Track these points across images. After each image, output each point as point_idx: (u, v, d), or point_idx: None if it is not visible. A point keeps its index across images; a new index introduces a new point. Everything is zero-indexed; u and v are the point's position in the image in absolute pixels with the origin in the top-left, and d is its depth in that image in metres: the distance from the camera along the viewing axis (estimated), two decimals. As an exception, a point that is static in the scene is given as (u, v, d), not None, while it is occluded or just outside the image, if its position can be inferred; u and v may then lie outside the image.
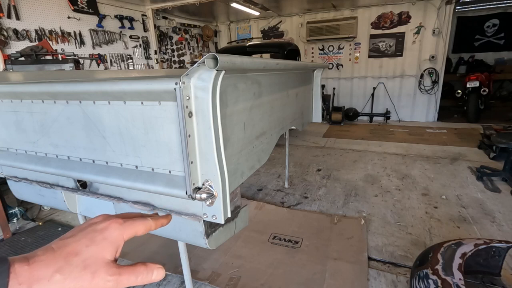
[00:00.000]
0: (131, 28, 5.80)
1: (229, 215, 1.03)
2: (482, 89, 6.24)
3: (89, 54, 5.02)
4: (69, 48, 4.70)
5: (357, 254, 2.24)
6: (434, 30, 6.36)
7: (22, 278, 0.32)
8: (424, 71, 6.70)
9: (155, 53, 6.39)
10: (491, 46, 8.78)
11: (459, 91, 6.59)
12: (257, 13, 7.07)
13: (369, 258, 2.21)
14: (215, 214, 1.01)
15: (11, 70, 3.33)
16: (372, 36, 6.96)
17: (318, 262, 2.17)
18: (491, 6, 8.30)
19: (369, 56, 7.12)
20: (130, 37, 5.83)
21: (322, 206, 3.07)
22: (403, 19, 6.60)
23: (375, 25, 6.87)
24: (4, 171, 1.61)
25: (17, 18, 4.00)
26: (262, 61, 1.25)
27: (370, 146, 5.20)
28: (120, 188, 1.21)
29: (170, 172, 1.03)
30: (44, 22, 4.34)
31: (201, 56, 7.87)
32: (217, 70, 0.86)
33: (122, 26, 5.59)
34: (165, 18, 6.81)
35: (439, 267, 1.56)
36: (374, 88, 7.22)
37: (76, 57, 4.62)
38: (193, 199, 0.95)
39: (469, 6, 8.28)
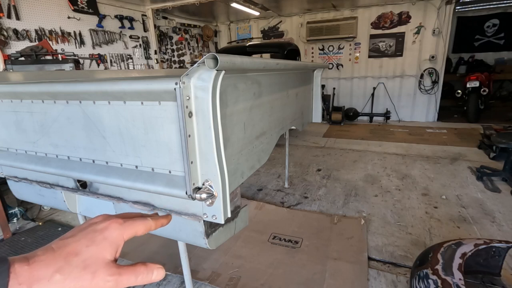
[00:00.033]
0: (131, 28, 5.80)
1: (229, 215, 1.03)
2: (482, 89, 6.24)
3: (89, 54, 5.02)
4: (69, 48, 4.70)
5: (357, 254, 2.24)
6: (434, 30, 6.36)
7: (22, 278, 0.32)
8: (424, 71, 6.70)
9: (155, 53, 6.39)
10: (491, 46, 8.78)
11: (459, 91, 6.59)
12: (257, 13, 7.07)
13: (369, 258, 2.21)
14: (215, 214, 1.01)
15: (11, 70, 3.33)
16: (372, 36, 6.96)
17: (318, 262, 2.17)
18: (491, 6, 8.30)
19: (369, 56, 7.12)
20: (130, 37, 5.83)
21: (322, 206, 3.07)
22: (403, 19, 6.60)
23: (375, 25, 6.87)
24: (4, 171, 1.61)
25: (17, 18, 4.00)
26: (262, 61, 1.25)
27: (370, 146, 5.20)
28: (120, 188, 1.21)
29: (170, 172, 1.03)
30: (44, 22, 4.34)
31: (201, 56, 7.87)
32: (217, 70, 0.86)
33: (122, 26, 5.60)
34: (165, 18, 6.82)
35: (439, 267, 1.56)
36: (374, 88, 7.22)
37: (76, 57, 4.62)
38: (193, 199, 0.95)
39: (469, 6, 8.28)
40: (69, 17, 4.66)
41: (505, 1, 7.89)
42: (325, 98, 7.22)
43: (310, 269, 2.10)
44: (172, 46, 7.13)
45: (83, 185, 1.38)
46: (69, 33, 4.68)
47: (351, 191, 3.40)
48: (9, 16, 3.92)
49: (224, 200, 0.99)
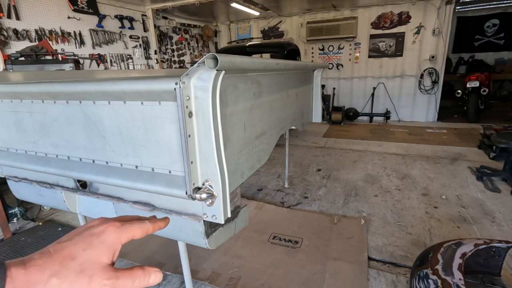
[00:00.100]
0: (131, 28, 5.80)
1: (229, 215, 1.03)
2: (482, 89, 6.24)
3: (89, 54, 5.02)
4: (69, 48, 4.70)
5: (357, 254, 2.24)
6: (434, 30, 6.36)
7: (18, 282, 0.32)
8: (424, 71, 6.70)
9: (155, 53, 6.39)
10: (491, 46, 8.78)
11: (459, 91, 6.59)
12: (257, 13, 7.07)
13: (369, 258, 2.21)
14: (215, 214, 1.01)
15: (11, 70, 3.33)
16: (372, 36, 6.96)
17: (318, 262, 2.17)
18: (491, 6, 8.30)
19: (369, 56, 7.12)
20: (130, 37, 5.83)
21: (322, 206, 3.07)
22: (403, 19, 6.60)
23: (375, 25, 6.87)
24: (4, 171, 1.61)
25: (17, 18, 4.00)
26: (262, 61, 1.25)
27: (370, 146, 5.20)
28: (120, 188, 1.21)
29: (170, 172, 1.03)
30: (44, 22, 4.34)
31: (201, 56, 7.87)
32: (217, 70, 0.86)
33: (122, 26, 5.60)
34: (165, 18, 6.82)
35: (439, 267, 1.56)
36: (374, 88, 7.22)
37: (76, 57, 4.62)
38: (193, 199, 0.95)
39: (469, 6, 8.28)
40: (69, 17, 4.66)
41: (505, 1, 7.89)
42: (325, 98, 7.22)
43: (310, 269, 2.10)
44: (172, 46, 7.13)
45: (83, 185, 1.38)
46: (69, 33, 4.68)
47: (351, 191, 3.40)
48: (9, 16, 3.92)
49: (224, 200, 0.99)
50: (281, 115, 1.83)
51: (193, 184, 0.95)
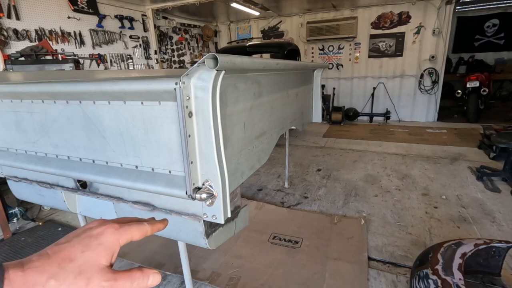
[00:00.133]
0: (131, 28, 5.80)
1: (229, 215, 1.03)
2: (482, 89, 6.24)
3: (89, 54, 5.02)
4: (69, 48, 4.70)
5: (357, 254, 2.24)
6: (434, 30, 6.35)
7: (16, 284, 0.32)
8: (424, 71, 6.70)
9: (155, 53, 6.39)
10: (491, 46, 8.78)
11: (459, 91, 6.59)
12: (257, 13, 7.07)
13: (369, 258, 2.21)
14: (215, 214, 1.01)
15: (11, 70, 3.33)
16: (372, 36, 6.96)
17: (318, 262, 2.17)
18: (491, 6, 8.30)
19: (369, 56, 7.12)
20: (130, 37, 5.83)
21: (322, 206, 3.07)
22: (403, 19, 6.60)
23: (375, 25, 6.87)
24: (4, 171, 1.61)
25: (17, 18, 4.00)
26: (262, 61, 1.25)
27: (370, 146, 5.20)
28: (120, 188, 1.21)
29: (170, 172, 1.03)
30: (44, 22, 4.34)
31: (201, 56, 7.87)
32: (217, 70, 0.86)
33: (122, 26, 5.60)
34: (165, 18, 6.81)
35: (439, 267, 1.56)
36: (374, 88, 7.22)
37: (76, 57, 4.62)
38: (193, 199, 0.95)
39: (469, 6, 8.28)
40: (69, 17, 4.66)
41: (505, 1, 7.89)
42: (325, 98, 7.22)
43: (310, 269, 2.10)
44: (172, 46, 7.13)
45: (83, 185, 1.38)
46: (69, 33, 4.68)
47: (351, 191, 3.40)
48: (9, 16, 3.92)
49: (224, 200, 0.99)
50: (281, 115, 1.83)
51: (193, 184, 0.95)
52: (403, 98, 7.09)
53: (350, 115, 7.23)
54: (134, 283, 0.39)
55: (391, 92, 7.14)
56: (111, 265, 0.39)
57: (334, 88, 7.59)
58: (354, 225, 2.64)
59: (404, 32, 6.66)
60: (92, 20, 5.06)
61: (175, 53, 7.25)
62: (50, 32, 4.43)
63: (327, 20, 7.09)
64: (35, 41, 4.18)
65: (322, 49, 7.53)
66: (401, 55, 6.82)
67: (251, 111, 1.31)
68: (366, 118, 7.43)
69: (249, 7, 6.35)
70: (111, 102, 1.06)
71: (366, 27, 6.94)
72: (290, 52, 5.40)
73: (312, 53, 7.66)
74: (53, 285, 0.34)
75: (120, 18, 5.53)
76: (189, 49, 7.70)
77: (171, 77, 0.89)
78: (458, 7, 8.19)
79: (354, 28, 6.87)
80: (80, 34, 4.85)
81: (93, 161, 1.21)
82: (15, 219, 2.89)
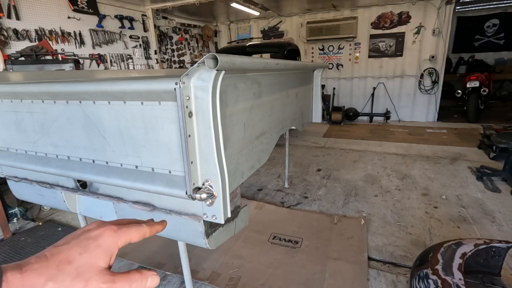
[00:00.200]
0: (131, 28, 5.80)
1: (229, 215, 1.03)
2: (482, 89, 6.24)
3: (89, 54, 5.02)
4: (69, 48, 4.70)
5: (357, 254, 2.24)
6: (434, 30, 6.36)
7: (14, 287, 0.32)
8: (424, 71, 6.70)
9: (155, 53, 6.39)
10: (491, 46, 8.78)
11: (459, 91, 6.59)
12: (257, 13, 7.07)
13: (369, 258, 2.21)
14: (215, 214, 1.01)
15: (11, 70, 3.33)
16: (372, 36, 6.96)
17: (318, 262, 2.17)
18: (491, 6, 8.30)
19: (369, 56, 7.12)
20: (130, 37, 5.83)
21: (322, 206, 3.07)
22: (403, 19, 6.60)
23: (375, 25, 6.87)
24: (4, 171, 1.61)
25: (17, 18, 4.00)
26: (262, 61, 1.25)
27: (370, 146, 5.20)
28: (120, 188, 1.21)
29: (170, 172, 1.03)
30: (44, 22, 4.34)
31: (201, 56, 7.87)
32: (217, 70, 0.86)
33: (122, 26, 5.60)
34: (165, 18, 6.81)
35: (439, 267, 1.56)
36: (374, 88, 7.22)
37: (76, 57, 4.62)
38: (193, 199, 0.95)
39: (469, 6, 8.28)
40: (69, 17, 4.66)
41: (505, 1, 7.89)
42: (325, 98, 7.22)
43: (310, 269, 2.10)
44: (172, 46, 7.13)
45: (83, 185, 1.38)
46: (69, 33, 4.68)
47: (351, 191, 3.40)
48: (9, 16, 3.92)
49: (224, 200, 0.99)
50: (281, 115, 1.83)
51: (193, 184, 0.95)
52: (403, 98, 7.09)
53: (350, 115, 7.23)
54: (132, 285, 0.39)
55: (391, 92, 7.14)
56: (109, 267, 0.39)
57: (334, 88, 7.59)
58: (354, 225, 2.64)
59: (404, 32, 6.66)
60: (92, 20, 5.06)
61: (175, 53, 7.25)
62: (50, 32, 4.43)
63: (327, 20, 7.09)
64: (35, 41, 4.18)
65: (322, 49, 7.53)
66: (401, 55, 6.82)
67: (251, 111, 1.31)
68: (366, 118, 7.43)
69: (249, 7, 6.35)
70: (111, 102, 1.06)
71: (366, 27, 6.94)
72: (290, 52, 5.40)
73: (312, 53, 7.66)
74: (52, 287, 0.34)
75: (120, 18, 5.53)
76: (189, 49, 7.70)
77: (171, 77, 0.89)
78: (458, 7, 8.19)
79: (354, 28, 6.87)
80: (80, 34, 4.85)
81: (93, 161, 1.21)
82: (15, 219, 2.89)
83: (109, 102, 1.06)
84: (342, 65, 7.45)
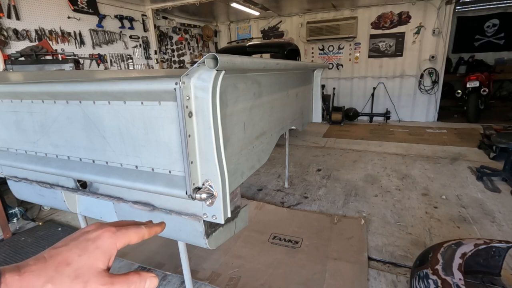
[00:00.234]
0: (131, 28, 5.80)
1: (229, 215, 1.03)
2: (482, 89, 6.24)
3: (89, 54, 5.02)
4: (69, 48, 4.70)
5: (357, 254, 2.24)
6: (434, 30, 6.36)
7: None
8: (424, 71, 6.70)
9: (155, 53, 6.39)
10: (491, 46, 8.78)
11: (459, 91, 6.59)
12: (257, 13, 7.07)
13: (369, 258, 2.21)
14: (215, 214, 1.01)
15: (11, 70, 3.33)
16: (372, 36, 6.96)
17: (318, 262, 2.17)
18: (491, 6, 8.30)
19: (369, 56, 7.12)
20: (130, 37, 5.83)
21: (322, 206, 3.07)
22: (403, 19, 6.60)
23: (375, 25, 6.87)
24: (4, 171, 1.61)
25: (17, 18, 4.00)
26: (262, 61, 1.25)
27: (370, 146, 5.20)
28: (120, 188, 1.21)
29: (170, 172, 1.03)
30: (44, 22, 4.34)
31: (201, 56, 7.87)
32: (217, 70, 0.86)
33: (122, 26, 5.60)
34: (165, 18, 6.81)
35: (439, 267, 1.56)
36: (374, 88, 7.22)
37: (76, 57, 4.62)
38: (193, 199, 0.95)
39: (469, 6, 8.28)
40: (69, 17, 4.66)
41: (505, 1, 7.89)
42: (325, 98, 7.22)
43: (310, 269, 2.10)
44: (172, 46, 7.13)
45: (83, 185, 1.38)
46: (69, 33, 4.68)
47: (351, 191, 3.40)
48: (9, 16, 3.92)
49: (224, 200, 0.99)
50: (281, 115, 1.83)
51: (193, 184, 0.95)
52: (403, 98, 7.09)
53: (350, 115, 7.23)
54: (131, 286, 0.39)
55: (391, 92, 7.14)
56: (108, 269, 0.39)
57: (334, 88, 7.59)
58: (354, 225, 2.64)
59: (404, 32, 6.66)
60: (92, 20, 5.06)
61: (175, 53, 7.25)
62: (50, 32, 4.43)
63: (327, 20, 7.09)
64: (35, 41, 4.18)
65: (322, 49, 7.53)
66: (401, 55, 6.82)
67: (251, 111, 1.31)
68: (366, 118, 7.43)
69: (249, 7, 6.35)
70: (111, 102, 1.06)
71: (366, 27, 6.94)
72: (290, 52, 5.40)
73: (312, 53, 7.66)
74: None
75: (120, 18, 5.53)
76: (189, 49, 7.70)
77: (171, 77, 0.89)
78: (458, 7, 8.19)
79: (354, 28, 6.87)
80: (80, 34, 4.85)
81: (93, 161, 1.21)
82: (15, 219, 2.89)
83: (109, 102, 1.06)
84: (342, 65, 7.45)
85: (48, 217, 3.04)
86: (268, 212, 2.96)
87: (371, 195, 3.26)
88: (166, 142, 1.00)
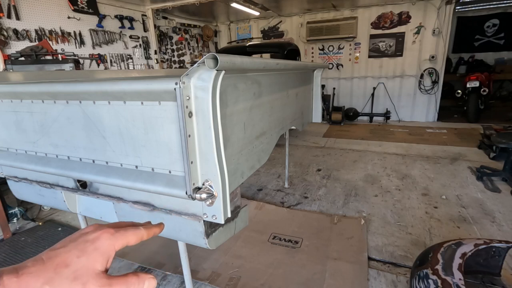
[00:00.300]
0: (131, 28, 5.80)
1: (229, 215, 1.03)
2: (482, 89, 6.24)
3: (89, 54, 5.02)
4: (69, 48, 4.70)
5: (357, 254, 2.24)
6: (434, 30, 6.36)
7: None
8: (424, 71, 6.70)
9: (155, 53, 6.39)
10: (491, 46, 8.78)
11: (459, 91, 6.59)
12: (257, 13, 7.07)
13: (369, 258, 2.21)
14: (215, 214, 1.01)
15: (11, 70, 3.33)
16: (372, 36, 6.96)
17: (318, 262, 2.17)
18: (491, 6, 8.30)
19: (369, 56, 7.12)
20: (130, 37, 5.83)
21: (322, 206, 3.07)
22: (403, 19, 6.60)
23: (375, 25, 6.87)
24: (4, 171, 1.61)
25: (17, 18, 4.00)
26: (262, 61, 1.25)
27: (370, 146, 5.20)
28: (120, 188, 1.21)
29: (170, 172, 1.03)
30: (44, 22, 4.34)
31: (201, 56, 7.87)
32: (217, 70, 0.86)
33: (122, 26, 5.60)
34: (165, 18, 6.81)
35: (439, 267, 1.56)
36: (374, 88, 7.22)
37: (76, 57, 4.62)
38: (193, 199, 0.95)
39: (469, 6, 8.28)
40: (69, 17, 4.66)
41: (505, 1, 7.89)
42: (325, 98, 7.22)
43: (310, 269, 2.10)
44: (172, 46, 7.13)
45: (83, 185, 1.38)
46: (69, 33, 4.68)
47: (351, 191, 3.40)
48: (9, 16, 3.92)
49: (224, 200, 0.99)
50: (281, 115, 1.83)
51: (193, 184, 0.95)
52: (403, 98, 7.09)
53: (350, 115, 7.23)
54: None
55: (391, 92, 7.14)
56: (106, 270, 0.39)
57: (334, 88, 7.59)
58: (354, 225, 2.64)
59: (404, 32, 6.66)
60: (92, 20, 5.06)
61: (175, 53, 7.25)
62: (50, 32, 4.43)
63: (327, 20, 7.09)
64: (35, 41, 4.18)
65: (322, 49, 7.53)
66: (401, 55, 6.82)
67: (251, 111, 1.31)
68: (366, 118, 7.43)
69: (249, 7, 6.35)
70: (111, 102, 1.06)
71: (366, 27, 6.94)
72: (290, 52, 5.40)
73: (312, 53, 7.66)
74: None
75: (120, 18, 5.53)
76: (189, 49, 7.70)
77: (171, 77, 0.89)
78: (458, 7, 8.19)
79: (354, 28, 6.87)
80: (80, 34, 4.85)
81: (93, 161, 1.21)
82: (15, 219, 2.89)
83: (109, 102, 1.06)
84: (342, 65, 7.45)
85: (48, 217, 3.04)
86: (268, 212, 2.96)
87: (371, 195, 3.26)
88: (166, 142, 1.00)
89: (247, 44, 5.70)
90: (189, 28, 7.64)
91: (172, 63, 7.17)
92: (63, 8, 4.57)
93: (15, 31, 4.00)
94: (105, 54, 5.30)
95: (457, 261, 1.59)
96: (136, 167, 1.10)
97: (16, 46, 3.96)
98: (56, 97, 1.19)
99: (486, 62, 8.16)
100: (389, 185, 3.52)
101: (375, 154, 4.73)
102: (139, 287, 0.40)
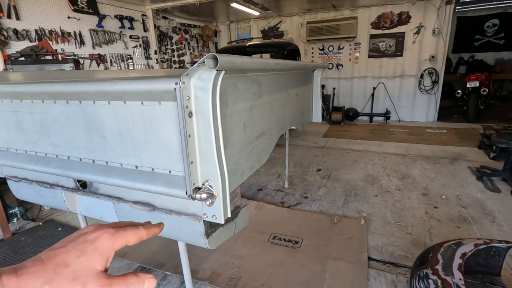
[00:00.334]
0: (131, 28, 5.80)
1: (229, 215, 1.03)
2: (482, 89, 6.24)
3: (89, 54, 5.02)
4: (69, 48, 4.70)
5: (357, 254, 2.24)
6: (434, 30, 6.36)
7: None
8: (424, 71, 6.70)
9: (155, 53, 6.39)
10: (491, 46, 8.78)
11: (459, 91, 6.59)
12: (257, 13, 7.07)
13: (369, 258, 2.21)
14: (215, 214, 1.01)
15: (11, 70, 3.33)
16: (372, 36, 6.96)
17: (318, 262, 2.17)
18: (491, 6, 8.30)
19: (369, 56, 7.12)
20: (130, 37, 5.83)
21: (322, 206, 3.07)
22: (403, 19, 6.60)
23: (375, 25, 6.87)
24: (4, 171, 1.61)
25: (17, 18, 4.00)
26: (262, 61, 1.25)
27: (370, 146, 5.20)
28: (120, 188, 1.21)
29: (170, 172, 1.03)
30: (44, 22, 4.34)
31: (201, 56, 7.87)
32: (217, 70, 0.86)
33: (122, 26, 5.60)
34: (165, 18, 6.82)
35: (439, 267, 1.56)
36: (374, 88, 7.22)
37: (76, 57, 4.62)
38: (193, 199, 0.95)
39: (469, 6, 8.28)
40: (69, 17, 4.66)
41: (505, 1, 7.89)
42: (325, 98, 7.22)
43: (310, 269, 2.10)
44: (172, 46, 7.13)
45: (83, 185, 1.38)
46: (69, 33, 4.68)
47: (351, 191, 3.40)
48: (9, 16, 3.92)
49: (224, 200, 0.99)
50: (281, 115, 1.83)
51: (193, 184, 0.95)
52: (403, 98, 7.09)
53: (350, 115, 7.23)
54: None
55: (391, 92, 7.14)
56: (105, 270, 0.39)
57: (334, 88, 7.59)
58: (354, 225, 2.64)
59: (404, 32, 6.66)
60: (92, 20, 5.06)
61: (175, 53, 7.25)
62: (50, 32, 4.43)
63: (327, 20, 7.09)
64: (35, 41, 4.18)
65: (322, 49, 7.53)
66: (401, 55, 6.82)
67: (251, 111, 1.31)
68: (366, 118, 7.43)
69: (249, 7, 6.35)
70: (111, 102, 1.06)
71: (366, 27, 6.94)
72: (290, 52, 5.40)
73: (312, 53, 7.66)
74: None
75: (120, 18, 5.53)
76: (189, 49, 7.70)
77: (171, 77, 0.89)
78: (458, 7, 8.19)
79: (354, 28, 6.87)
80: (80, 34, 4.85)
81: (93, 161, 1.21)
82: (15, 219, 2.89)
83: (109, 102, 1.06)
84: (342, 65, 7.45)
85: (48, 217, 3.04)
86: (268, 212, 2.96)
87: (371, 195, 3.26)
88: (166, 142, 1.00)
89: (247, 44, 5.70)
90: (189, 28, 7.64)
91: (172, 63, 7.17)
92: (63, 8, 4.57)
93: (15, 31, 4.00)
94: (105, 54, 5.30)
95: (457, 261, 1.59)
96: (136, 167, 1.10)
97: (16, 46, 3.96)
98: (56, 97, 1.19)
99: (486, 62, 8.16)
100: (389, 185, 3.52)
101: (375, 154, 4.73)
102: (139, 287, 0.40)
